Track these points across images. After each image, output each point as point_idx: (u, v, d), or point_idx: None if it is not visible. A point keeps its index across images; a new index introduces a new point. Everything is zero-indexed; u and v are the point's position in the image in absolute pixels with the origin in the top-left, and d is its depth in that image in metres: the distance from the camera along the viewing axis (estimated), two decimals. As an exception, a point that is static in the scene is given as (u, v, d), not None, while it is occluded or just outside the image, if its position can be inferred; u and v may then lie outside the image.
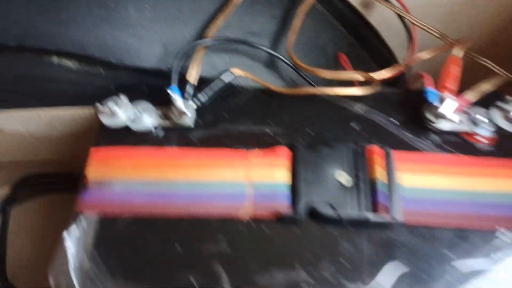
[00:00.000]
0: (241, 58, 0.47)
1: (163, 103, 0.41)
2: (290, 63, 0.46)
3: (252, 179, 0.36)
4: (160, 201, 0.36)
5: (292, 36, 0.46)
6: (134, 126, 0.40)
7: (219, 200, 0.36)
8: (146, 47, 0.43)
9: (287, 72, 0.49)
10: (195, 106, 0.40)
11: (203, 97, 0.40)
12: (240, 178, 0.37)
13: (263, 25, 0.48)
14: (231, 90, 0.43)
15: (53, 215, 0.63)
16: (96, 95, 0.48)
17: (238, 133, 0.40)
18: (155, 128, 0.40)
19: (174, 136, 0.40)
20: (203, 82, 0.42)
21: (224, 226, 0.35)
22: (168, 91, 0.38)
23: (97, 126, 0.44)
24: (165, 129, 0.40)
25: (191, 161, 0.38)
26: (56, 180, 0.64)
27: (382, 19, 0.57)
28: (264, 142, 0.39)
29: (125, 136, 0.40)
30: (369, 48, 0.60)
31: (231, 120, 0.41)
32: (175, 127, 0.40)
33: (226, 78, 0.41)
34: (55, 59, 0.45)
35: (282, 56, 0.46)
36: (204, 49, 0.42)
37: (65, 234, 0.34)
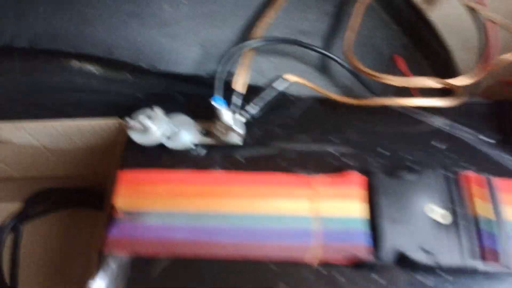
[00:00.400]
0: (290, 61, 0.40)
1: (203, 116, 0.35)
2: (348, 67, 0.39)
3: (319, 213, 0.30)
4: (204, 239, 0.30)
5: (350, 35, 0.39)
6: (171, 144, 0.33)
7: (278, 238, 0.29)
8: (182, 49, 0.36)
9: (342, 77, 0.42)
10: (243, 120, 0.33)
11: (252, 109, 0.33)
12: (304, 211, 0.30)
13: (314, 23, 0.41)
14: (284, 100, 0.36)
15: (67, 231, 0.57)
16: (122, 106, 0.41)
17: (296, 153, 0.33)
18: (195, 146, 0.34)
19: (218, 156, 0.33)
20: (251, 91, 0.35)
21: (286, 272, 0.28)
22: (212, 102, 0.31)
23: (122, 142, 0.38)
24: (207, 147, 0.34)
25: (241, 188, 0.32)
26: (70, 195, 0.58)
27: (442, 16, 0.50)
28: (328, 165, 0.32)
29: (159, 156, 0.34)
30: (425, 49, 0.52)
31: (286, 137, 0.34)
32: (219, 145, 0.34)
33: (279, 86, 0.35)
34: (75, 64, 0.38)
35: (339, 58, 0.39)
36: (252, 52, 0.35)
37: (91, 284, 0.27)
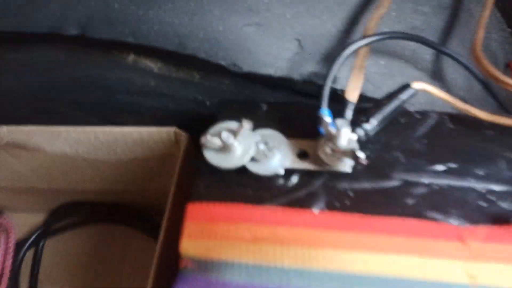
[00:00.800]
0: (399, 65, 0.31)
1: (295, 133, 0.26)
2: (478, 75, 0.30)
3: (478, 281, 0.21)
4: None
5: (480, 33, 0.30)
6: (256, 168, 0.25)
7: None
8: (273, 44, 0.28)
9: (458, 88, 0.33)
10: (355, 138, 0.24)
11: (369, 125, 0.25)
12: (456, 277, 0.21)
13: (428, 18, 0.33)
14: (404, 116, 0.27)
15: (94, 249, 0.50)
16: (182, 113, 0.33)
17: (426, 187, 0.24)
18: (286, 172, 0.25)
19: (318, 186, 0.25)
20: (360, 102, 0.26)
21: None
22: (321, 115, 0.23)
23: (178, 157, 0.30)
24: (300, 174, 0.25)
25: (355, 238, 0.23)
26: (101, 210, 0.50)
27: None
28: (473, 207, 0.23)
29: (239, 184, 0.25)
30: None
31: (411, 165, 0.25)
32: (317, 172, 0.25)
33: (404, 95, 0.26)
34: (130, 58, 0.30)
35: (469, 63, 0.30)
36: (368, 52, 0.26)
37: None
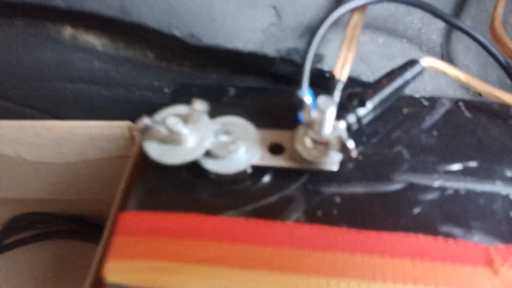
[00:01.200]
0: (402, 44, 0.26)
1: (270, 123, 0.20)
2: (498, 56, 0.24)
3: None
4: None
5: (499, 7, 0.25)
6: (214, 166, 0.19)
7: None
8: (242, 12, 0.22)
9: (478, 72, 0.27)
10: (344, 126, 0.18)
11: (364, 109, 0.19)
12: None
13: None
14: (407, 101, 0.21)
15: (48, 266, 0.43)
16: (137, 104, 0.27)
17: (438, 192, 0.18)
18: (253, 170, 0.19)
19: (295, 190, 0.19)
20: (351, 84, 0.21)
21: None
22: (301, 96, 0.17)
23: (134, 158, 0.24)
24: (273, 172, 0.19)
25: (344, 260, 0.17)
26: (60, 224, 0.44)
27: None
28: (508, 222, 0.17)
29: (191, 187, 0.19)
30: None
31: (417, 163, 0.19)
32: (294, 170, 0.19)
33: (409, 74, 0.20)
34: (67, 33, 0.24)
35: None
36: (362, 20, 0.21)
37: None
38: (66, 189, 0.36)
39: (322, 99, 0.16)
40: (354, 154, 0.16)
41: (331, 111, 0.16)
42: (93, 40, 0.24)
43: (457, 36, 0.28)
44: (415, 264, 0.16)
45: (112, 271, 0.17)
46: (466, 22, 0.28)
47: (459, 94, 0.25)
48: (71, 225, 0.43)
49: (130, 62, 0.25)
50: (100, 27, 0.24)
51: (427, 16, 0.27)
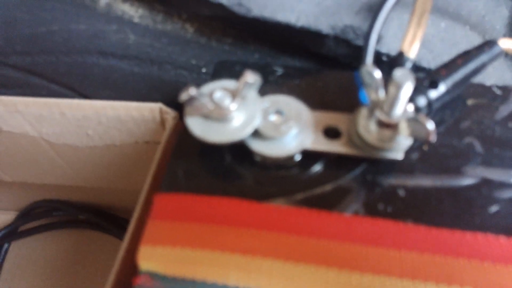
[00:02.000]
0: (465, 31, 0.23)
1: (324, 104, 0.18)
2: None
3: None
4: None
5: None
6: (261, 147, 0.17)
7: None
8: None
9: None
10: (412, 109, 0.16)
11: (436, 92, 0.16)
12: None
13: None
14: (479, 90, 0.19)
15: (62, 255, 0.41)
16: (171, 84, 0.25)
17: (523, 191, 0.16)
18: (305, 156, 0.17)
19: (353, 180, 0.16)
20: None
21: None
22: (366, 70, 0.15)
23: (165, 147, 0.22)
24: (328, 159, 0.17)
25: (409, 259, 0.14)
26: (75, 212, 0.42)
27: None
28: None
29: (236, 171, 0.17)
30: None
31: (497, 159, 0.17)
32: (353, 158, 0.17)
33: (486, 56, 0.17)
34: (102, 0, 0.23)
35: None
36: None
37: None
38: (88, 176, 0.34)
39: (399, 71, 0.14)
40: (433, 138, 0.14)
41: (408, 87, 0.14)
42: (130, 10, 0.22)
43: (523, 26, 0.25)
44: (498, 269, 0.14)
45: (147, 258, 0.15)
46: None
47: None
48: (89, 215, 0.41)
49: (167, 37, 0.23)
50: (139, -4, 0.22)
51: (492, 3, 0.24)
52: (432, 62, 0.22)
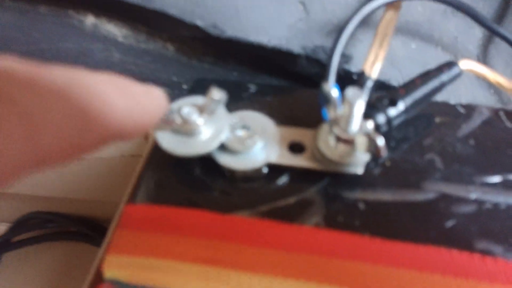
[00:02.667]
0: (436, 52, 0.24)
1: (291, 120, 0.19)
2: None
3: None
4: None
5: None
6: (227, 161, 0.17)
7: None
8: (271, 5, 0.21)
9: None
10: (371, 126, 0.17)
11: (395, 110, 0.17)
12: None
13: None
14: (443, 109, 0.20)
15: (54, 267, 0.42)
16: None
17: (478, 207, 0.16)
18: (271, 169, 0.18)
19: (315, 193, 0.17)
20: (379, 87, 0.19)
21: None
22: (326, 88, 0.16)
23: (147, 159, 0.23)
24: (292, 172, 0.18)
25: (366, 271, 0.15)
26: (68, 224, 0.43)
27: None
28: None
29: (203, 183, 0.18)
30: None
31: (456, 175, 0.17)
32: (313, 172, 0.17)
33: (445, 76, 0.18)
34: (88, 21, 0.24)
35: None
36: (396, 15, 0.19)
37: None
38: (78, 188, 0.35)
39: (351, 91, 0.15)
40: (384, 153, 0.15)
41: (360, 105, 0.15)
42: (114, 30, 0.24)
43: (496, 48, 0.26)
44: (447, 281, 0.15)
45: (112, 266, 0.15)
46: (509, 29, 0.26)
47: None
48: (81, 227, 0.42)
49: (150, 55, 0.24)
50: (122, 17, 0.23)
51: (464, 24, 0.25)
52: (401, 82, 0.22)
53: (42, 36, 0.25)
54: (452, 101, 0.21)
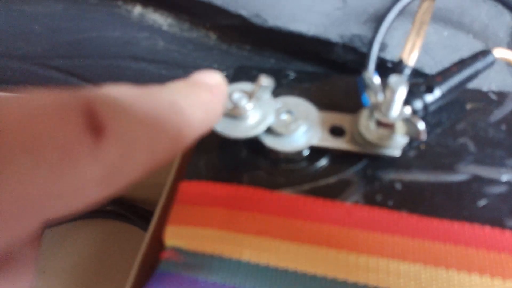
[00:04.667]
0: (467, 38, 0.25)
1: (331, 105, 0.20)
2: None
3: None
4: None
5: None
6: (274, 143, 0.19)
7: None
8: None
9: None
10: (409, 112, 0.18)
11: (431, 96, 0.18)
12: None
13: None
14: (475, 95, 0.21)
15: (91, 245, 0.44)
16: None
17: (509, 189, 0.17)
18: (313, 151, 0.19)
19: (355, 174, 0.18)
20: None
21: None
22: (367, 76, 0.17)
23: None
24: (333, 154, 0.19)
25: (402, 244, 0.16)
26: (105, 203, 0.45)
27: None
28: None
29: (250, 163, 0.19)
30: None
31: (488, 158, 0.18)
32: (354, 154, 0.19)
33: (480, 64, 0.19)
34: (136, 11, 0.25)
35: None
36: (433, 3, 0.20)
37: None
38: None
39: (394, 77, 0.16)
40: (424, 136, 0.16)
41: (402, 91, 0.16)
42: (160, 19, 0.25)
43: (526, 35, 0.26)
44: (480, 254, 0.16)
45: (172, 236, 0.17)
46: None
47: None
48: (116, 207, 0.44)
49: (192, 43, 0.25)
50: (168, 7, 0.24)
51: (495, 11, 0.26)
52: (434, 69, 0.23)
53: (91, 25, 0.26)
54: (484, 88, 0.22)
